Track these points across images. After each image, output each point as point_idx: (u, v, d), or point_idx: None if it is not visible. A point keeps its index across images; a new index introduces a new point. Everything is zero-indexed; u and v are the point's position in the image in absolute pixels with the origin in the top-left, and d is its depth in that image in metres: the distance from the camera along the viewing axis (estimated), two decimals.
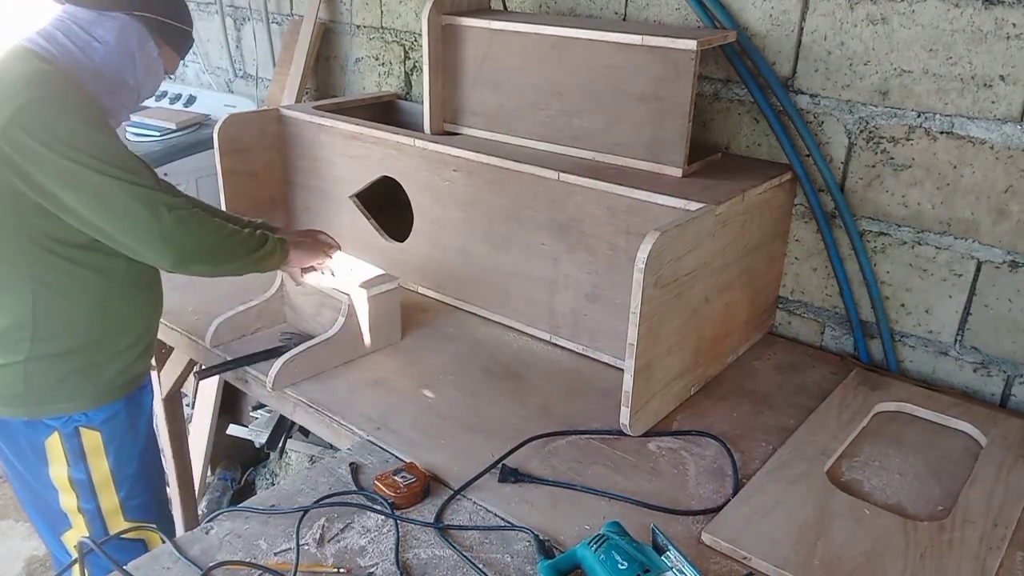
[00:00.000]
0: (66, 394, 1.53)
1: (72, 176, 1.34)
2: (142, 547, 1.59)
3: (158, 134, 2.86)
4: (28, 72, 1.37)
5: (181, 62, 1.67)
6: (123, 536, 1.45)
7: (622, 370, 1.48)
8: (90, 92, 1.43)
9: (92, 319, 1.51)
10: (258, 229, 1.61)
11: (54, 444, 1.54)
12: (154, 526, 1.38)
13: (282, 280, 1.87)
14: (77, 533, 1.61)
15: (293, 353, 1.65)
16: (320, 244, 1.75)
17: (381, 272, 1.81)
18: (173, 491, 2.51)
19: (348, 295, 1.71)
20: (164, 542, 1.57)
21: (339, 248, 1.79)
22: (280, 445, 3.01)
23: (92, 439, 1.57)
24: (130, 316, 1.58)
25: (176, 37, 1.57)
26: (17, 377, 1.49)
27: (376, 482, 1.34)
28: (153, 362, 1.75)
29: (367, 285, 1.73)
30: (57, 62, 1.42)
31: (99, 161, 1.35)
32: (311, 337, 1.72)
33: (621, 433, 1.52)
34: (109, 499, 1.62)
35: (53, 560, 1.77)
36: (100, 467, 1.59)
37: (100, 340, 1.54)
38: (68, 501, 1.59)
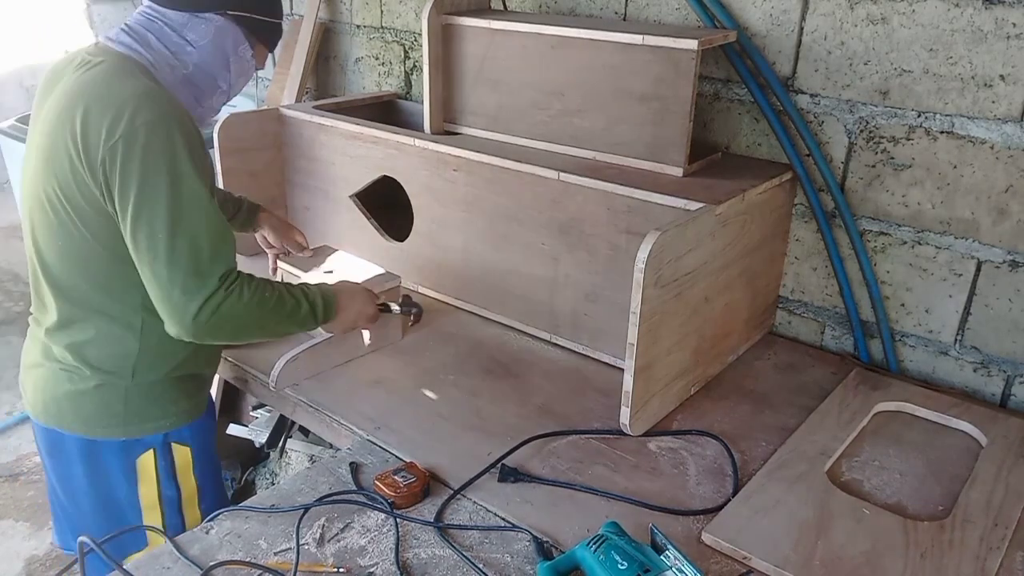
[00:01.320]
0: (162, 411, 1.50)
1: (148, 208, 1.26)
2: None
3: None
4: (140, 91, 1.27)
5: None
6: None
7: (622, 370, 1.48)
8: (189, 114, 1.34)
9: (186, 347, 1.44)
10: (310, 293, 1.49)
11: (146, 463, 1.51)
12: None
13: (281, 279, 1.86)
14: (151, 548, 1.51)
15: (295, 352, 1.64)
16: (365, 315, 1.63)
17: (382, 271, 1.81)
18: None
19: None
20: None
21: (375, 319, 1.68)
22: (280, 445, 3.01)
23: (183, 455, 1.55)
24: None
25: (269, 33, 1.49)
26: (117, 398, 1.45)
27: (376, 482, 1.34)
28: None
29: (369, 284, 1.73)
30: (157, 71, 1.35)
31: (179, 213, 1.26)
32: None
33: (621, 433, 1.52)
34: (192, 514, 1.59)
35: None
36: (188, 483, 1.57)
37: (190, 360, 1.50)
38: (152, 519, 1.55)
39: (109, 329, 1.41)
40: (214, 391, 2.87)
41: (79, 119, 1.26)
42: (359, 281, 1.72)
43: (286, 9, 2.90)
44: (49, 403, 1.47)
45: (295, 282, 1.82)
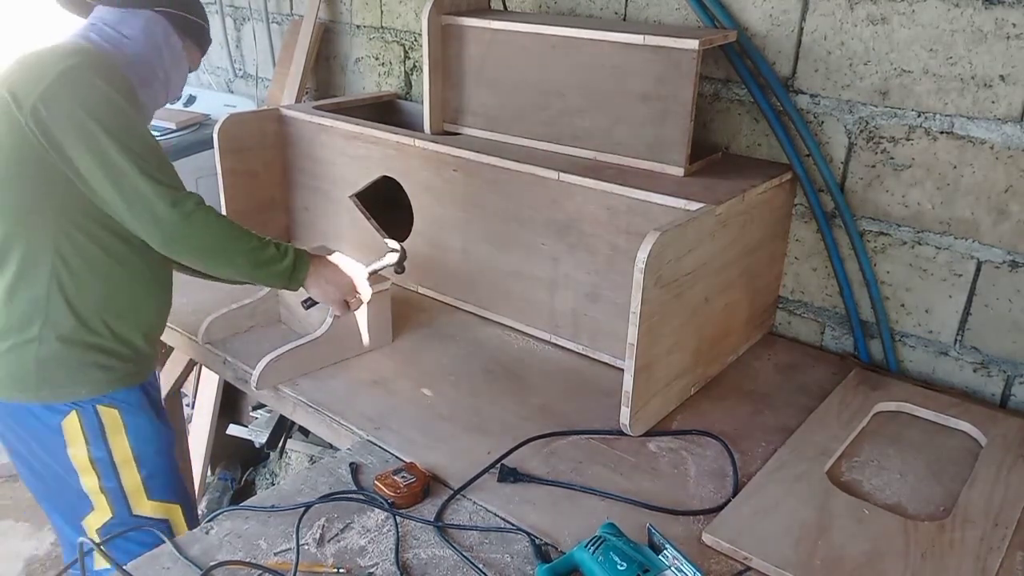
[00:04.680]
0: (78, 379, 1.52)
1: (93, 144, 1.36)
2: (167, 527, 1.61)
3: (158, 134, 2.86)
4: (70, 45, 1.46)
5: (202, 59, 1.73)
6: (146, 516, 1.54)
7: (622, 370, 1.48)
8: (128, 77, 1.49)
9: (103, 305, 1.52)
10: (282, 245, 1.54)
11: (71, 424, 1.53)
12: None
13: None
14: (100, 515, 1.59)
15: (278, 353, 1.65)
16: (344, 290, 1.62)
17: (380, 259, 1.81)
18: None
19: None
20: (187, 521, 1.64)
21: (361, 303, 1.68)
22: (280, 445, 3.01)
23: (110, 416, 1.56)
24: (140, 308, 1.59)
25: (195, 31, 1.65)
26: (27, 360, 1.48)
27: (376, 482, 1.34)
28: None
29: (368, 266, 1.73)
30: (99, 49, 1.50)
31: (123, 137, 1.38)
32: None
33: (621, 433, 1.52)
34: (131, 477, 1.60)
35: (64, 554, 1.74)
36: (120, 444, 1.58)
37: (109, 327, 1.53)
38: (89, 481, 1.57)
39: (17, 280, 1.46)
40: (214, 391, 2.87)
41: (15, 72, 1.41)
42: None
43: (286, 9, 2.90)
44: None
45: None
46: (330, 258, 1.61)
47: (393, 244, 1.81)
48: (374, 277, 1.74)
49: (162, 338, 1.85)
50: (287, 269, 1.52)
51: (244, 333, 1.85)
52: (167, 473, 1.67)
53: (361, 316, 1.75)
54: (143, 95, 1.55)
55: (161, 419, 1.68)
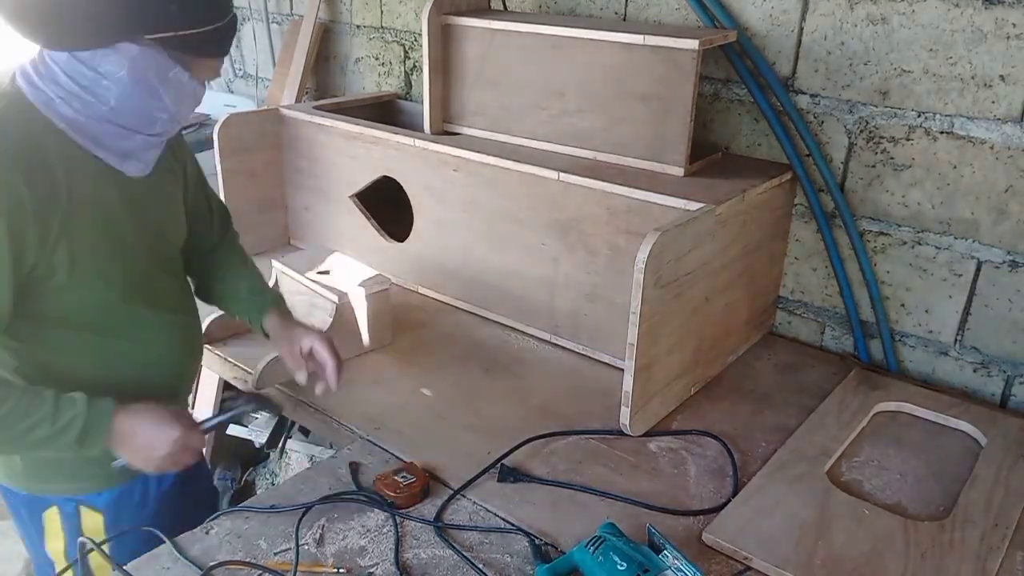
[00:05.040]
0: (67, 475, 1.34)
1: None
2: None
3: None
4: None
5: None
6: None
7: (622, 370, 1.48)
8: (60, 145, 1.15)
9: (93, 385, 1.23)
10: (66, 413, 1.17)
11: (52, 518, 1.37)
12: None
13: (276, 279, 1.87)
14: None
15: (277, 352, 1.55)
16: (159, 440, 1.23)
17: (375, 273, 1.82)
18: None
19: (337, 297, 1.71)
20: None
21: (194, 433, 1.28)
22: (280, 445, 3.01)
23: (93, 521, 1.37)
24: (143, 381, 1.32)
25: (210, 43, 1.18)
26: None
27: (376, 482, 1.34)
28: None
29: (359, 286, 1.73)
30: (62, 106, 1.15)
31: None
32: (265, 400, 1.50)
33: (621, 433, 1.52)
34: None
35: None
36: (98, 554, 1.31)
37: None
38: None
39: None
40: (214, 391, 2.87)
41: None
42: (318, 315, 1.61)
43: (286, 9, 2.90)
44: None
45: (292, 281, 1.82)
46: (144, 415, 1.23)
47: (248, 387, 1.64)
48: (357, 292, 1.71)
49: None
50: (70, 444, 1.17)
51: (245, 333, 1.84)
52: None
53: (361, 316, 1.75)
54: (137, 140, 1.22)
55: (157, 513, 1.41)
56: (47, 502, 1.36)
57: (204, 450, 1.45)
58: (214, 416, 1.34)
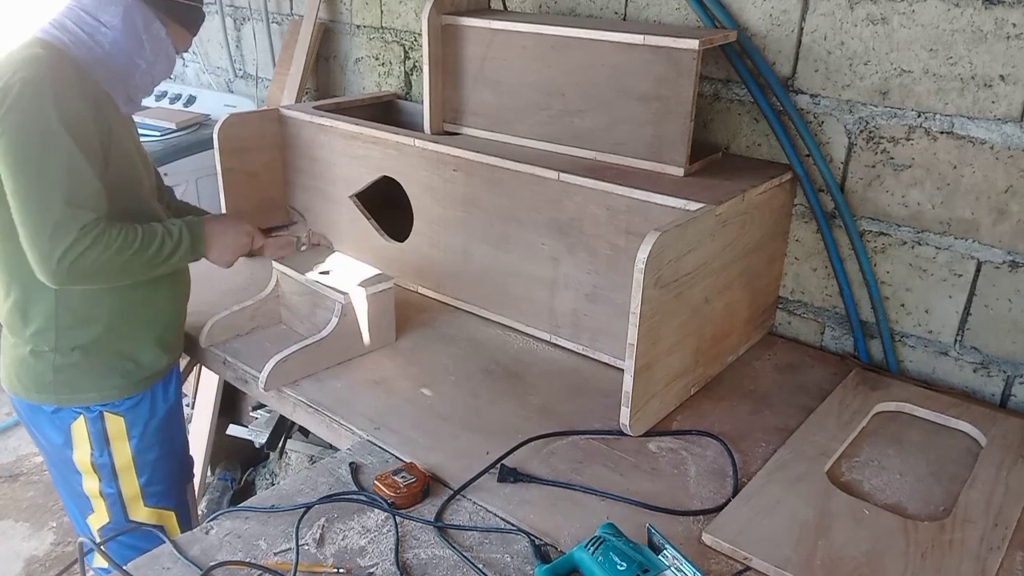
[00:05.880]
0: (92, 384, 1.58)
1: (14, 161, 1.36)
2: (163, 532, 1.60)
3: (158, 134, 2.86)
4: (24, 57, 1.39)
5: (193, 40, 1.65)
6: (142, 524, 1.58)
7: (622, 370, 1.48)
8: (87, 86, 1.44)
9: (111, 313, 1.56)
10: (174, 232, 1.54)
11: (79, 428, 1.60)
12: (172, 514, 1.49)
13: (277, 280, 1.87)
14: (99, 517, 1.67)
15: (285, 354, 1.65)
16: (240, 234, 1.68)
17: (377, 272, 1.81)
18: None
19: (341, 296, 1.71)
20: (180, 528, 1.69)
21: (257, 229, 1.73)
22: (280, 445, 3.01)
23: (115, 424, 1.62)
24: (150, 310, 1.62)
25: (183, 13, 1.56)
26: (47, 367, 1.55)
27: (376, 482, 1.34)
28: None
29: (361, 285, 1.73)
30: (73, 50, 1.45)
31: (44, 164, 1.36)
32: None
33: (621, 433, 1.52)
34: (130, 484, 1.67)
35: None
36: (122, 451, 1.64)
37: (121, 333, 1.59)
38: (91, 485, 1.65)
39: (27, 293, 1.51)
40: (214, 391, 2.87)
41: None
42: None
43: (286, 9, 2.90)
44: (6, 368, 1.61)
45: (293, 282, 1.83)
46: (225, 218, 1.67)
47: (297, 215, 1.84)
48: (300, 239, 1.86)
49: None
50: (186, 253, 1.55)
51: (246, 335, 1.85)
52: (165, 481, 1.72)
53: (362, 316, 1.75)
54: (124, 87, 1.52)
55: (171, 422, 1.73)
56: (74, 413, 1.59)
57: None
58: (272, 226, 1.80)
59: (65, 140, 1.36)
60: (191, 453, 1.92)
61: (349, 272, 1.80)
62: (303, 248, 1.87)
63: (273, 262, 1.86)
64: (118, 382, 1.61)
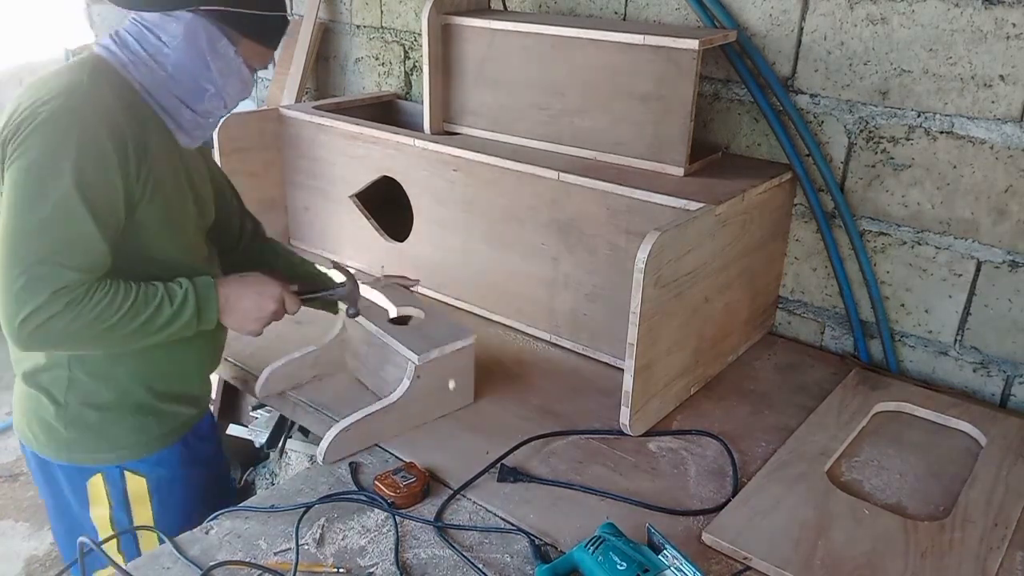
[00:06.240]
0: (109, 444, 1.41)
1: (8, 203, 1.19)
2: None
3: None
4: (66, 83, 1.23)
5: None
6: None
7: (622, 370, 1.48)
8: (131, 121, 1.26)
9: (136, 366, 1.38)
10: (177, 297, 1.31)
11: (96, 486, 1.44)
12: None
13: (343, 325, 1.68)
14: (111, 571, 1.45)
15: (349, 422, 1.45)
16: (264, 298, 1.40)
17: (457, 325, 1.60)
18: None
19: (414, 356, 1.48)
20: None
21: (288, 291, 1.43)
22: (280, 445, 3.01)
23: (137, 485, 1.45)
24: (177, 369, 1.44)
25: (255, 26, 1.31)
26: (59, 422, 1.38)
27: (376, 482, 1.34)
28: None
29: (439, 342, 1.51)
30: (132, 71, 1.29)
31: (36, 212, 1.18)
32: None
33: (621, 433, 1.52)
34: (149, 541, 1.46)
35: None
36: (143, 514, 1.47)
37: (146, 388, 1.41)
38: (110, 544, 1.43)
39: None
40: (213, 391, 2.86)
41: (16, 99, 1.24)
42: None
43: None
44: (16, 417, 1.46)
45: (362, 329, 1.61)
46: (245, 280, 1.40)
47: (340, 276, 1.54)
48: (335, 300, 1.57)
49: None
50: (190, 320, 1.31)
51: (307, 384, 1.66)
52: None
53: (438, 377, 1.54)
54: (189, 113, 1.34)
55: (198, 480, 1.54)
56: (91, 471, 1.43)
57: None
58: (307, 289, 1.47)
59: (70, 191, 1.18)
60: None
61: (428, 322, 1.60)
62: (352, 314, 1.55)
63: (341, 304, 1.62)
64: (137, 438, 1.42)
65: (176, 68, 1.30)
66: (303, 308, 1.47)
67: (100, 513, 1.46)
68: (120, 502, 1.46)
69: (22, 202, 1.18)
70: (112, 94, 1.25)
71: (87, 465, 1.42)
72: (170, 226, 1.34)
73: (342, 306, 1.57)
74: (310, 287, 1.51)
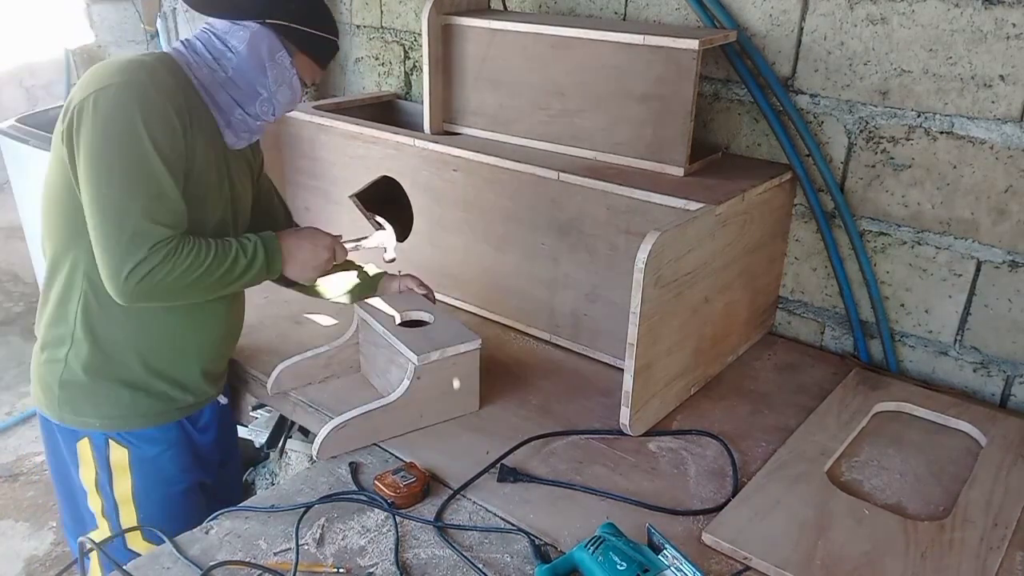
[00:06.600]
0: (95, 410, 1.50)
1: (93, 171, 1.30)
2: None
3: None
4: (130, 61, 1.35)
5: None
6: (138, 553, 1.41)
7: (622, 370, 1.48)
8: (189, 105, 1.38)
9: (135, 339, 1.47)
10: (248, 249, 1.45)
11: (84, 448, 1.53)
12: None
13: (357, 326, 1.69)
14: (101, 535, 1.57)
15: (345, 418, 1.46)
16: (319, 248, 1.56)
17: (466, 330, 1.59)
18: None
19: (414, 357, 1.48)
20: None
21: (338, 241, 1.61)
22: (280, 445, 3.01)
23: (119, 455, 1.53)
24: (185, 344, 1.52)
25: (313, 44, 1.47)
26: (55, 379, 1.48)
27: (376, 482, 1.34)
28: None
29: (441, 344, 1.52)
30: (193, 69, 1.41)
31: (125, 175, 1.30)
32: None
33: (621, 433, 1.52)
34: (128, 516, 1.57)
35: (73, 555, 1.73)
36: (122, 485, 1.55)
37: (144, 362, 1.49)
38: (95, 504, 1.57)
39: (59, 301, 1.46)
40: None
41: (80, 82, 1.34)
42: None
43: None
44: (33, 382, 1.56)
45: (371, 330, 1.63)
46: (301, 232, 1.57)
47: (384, 224, 1.74)
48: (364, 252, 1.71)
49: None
50: (261, 270, 1.46)
51: (319, 383, 1.67)
52: (165, 523, 1.45)
53: (440, 379, 1.54)
54: (241, 114, 1.46)
55: (188, 462, 1.60)
56: (80, 434, 1.52)
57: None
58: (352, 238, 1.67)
59: (150, 153, 1.30)
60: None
61: (436, 326, 1.60)
62: (387, 258, 1.74)
63: (356, 306, 1.68)
64: (122, 411, 1.50)
65: (236, 71, 1.43)
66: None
67: (87, 475, 1.55)
68: (104, 467, 1.54)
69: (108, 165, 1.29)
70: (173, 81, 1.37)
71: (77, 428, 1.52)
72: (196, 207, 1.42)
73: (382, 253, 1.76)
74: (355, 238, 1.70)
